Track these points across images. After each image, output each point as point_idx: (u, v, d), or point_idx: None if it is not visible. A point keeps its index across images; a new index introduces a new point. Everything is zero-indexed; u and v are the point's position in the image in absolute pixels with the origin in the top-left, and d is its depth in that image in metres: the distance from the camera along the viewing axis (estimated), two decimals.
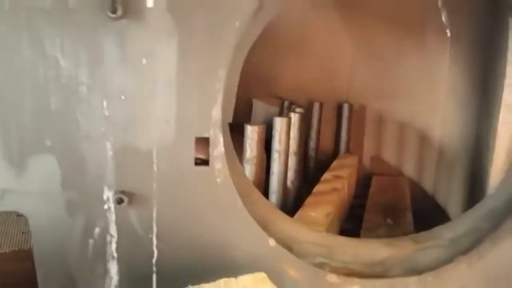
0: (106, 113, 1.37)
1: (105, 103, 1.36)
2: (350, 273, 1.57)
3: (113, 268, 1.45)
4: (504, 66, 2.06)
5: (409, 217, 2.48)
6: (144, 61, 1.35)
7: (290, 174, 2.65)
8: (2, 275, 1.75)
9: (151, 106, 1.37)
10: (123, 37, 1.34)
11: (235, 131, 2.27)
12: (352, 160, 3.15)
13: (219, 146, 1.42)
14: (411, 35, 3.03)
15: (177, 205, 1.44)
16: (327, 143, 3.36)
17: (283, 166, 2.44)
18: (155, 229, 1.43)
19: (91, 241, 1.43)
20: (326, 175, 2.75)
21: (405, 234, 2.14)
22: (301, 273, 1.52)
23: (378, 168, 3.34)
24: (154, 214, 1.42)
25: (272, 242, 1.50)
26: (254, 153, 2.26)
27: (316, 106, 3.25)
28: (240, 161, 2.24)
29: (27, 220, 1.45)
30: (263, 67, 3.38)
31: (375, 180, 3.17)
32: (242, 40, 1.40)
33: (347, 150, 3.35)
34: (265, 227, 1.56)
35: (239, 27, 1.37)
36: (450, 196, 2.97)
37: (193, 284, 1.29)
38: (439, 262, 1.58)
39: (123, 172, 1.40)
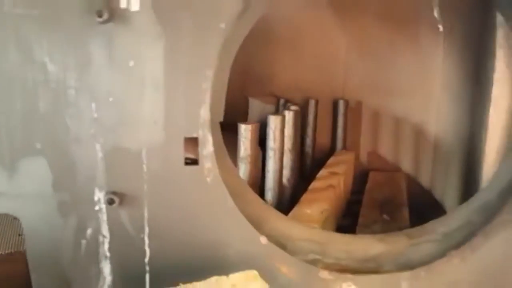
0: (95, 115, 1.38)
1: (93, 106, 1.37)
2: (343, 269, 1.58)
3: (106, 268, 1.46)
4: (493, 62, 2.07)
5: (405, 212, 2.48)
6: (131, 63, 1.36)
7: (286, 172, 2.66)
8: None
9: (139, 107, 1.39)
10: (110, 40, 1.35)
11: (232, 130, 2.30)
12: (348, 157, 3.16)
13: (208, 146, 1.43)
14: (405, 31, 3.04)
15: (168, 204, 1.45)
16: (323, 140, 3.36)
17: (278, 164, 2.45)
18: (146, 229, 1.44)
19: (83, 241, 1.44)
20: (322, 172, 2.75)
21: (401, 229, 2.14)
22: (293, 270, 1.53)
23: (375, 164, 3.35)
24: (146, 214, 1.43)
25: (263, 240, 1.51)
26: (248, 151, 2.27)
27: (312, 103, 3.26)
28: (235, 159, 2.26)
29: None
30: (259, 65, 3.39)
31: (371, 176, 3.18)
32: (229, 40, 1.41)
33: (344, 147, 3.35)
34: (259, 225, 1.57)
35: (225, 28, 1.38)
36: (447, 191, 2.97)
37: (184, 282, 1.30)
38: (432, 256, 1.59)
39: (114, 173, 1.41)
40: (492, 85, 2.08)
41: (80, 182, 1.41)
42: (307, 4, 3.23)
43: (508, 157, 1.73)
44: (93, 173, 1.40)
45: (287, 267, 1.52)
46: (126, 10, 1.34)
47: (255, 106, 3.38)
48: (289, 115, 2.64)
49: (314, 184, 2.54)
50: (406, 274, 1.54)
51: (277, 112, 3.12)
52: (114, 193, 1.41)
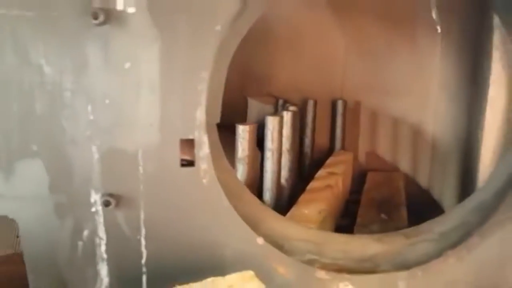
0: (91, 117, 1.38)
1: (89, 108, 1.38)
2: (339, 269, 1.59)
3: (103, 270, 1.47)
4: (490, 63, 2.07)
5: (403, 212, 2.49)
6: (127, 65, 1.37)
7: (284, 172, 2.66)
8: None
9: (136, 109, 1.39)
10: (106, 43, 1.36)
11: (231, 130, 2.30)
12: (347, 157, 3.16)
13: (204, 147, 1.43)
14: (403, 31, 3.04)
15: (164, 206, 1.45)
16: (322, 140, 3.37)
17: (276, 165, 2.45)
18: (143, 230, 1.45)
19: (80, 243, 1.45)
20: (320, 172, 2.75)
21: (399, 229, 2.14)
22: (290, 270, 1.53)
23: (373, 164, 3.35)
24: (142, 216, 1.44)
25: (260, 240, 1.51)
26: (246, 152, 2.27)
27: (311, 103, 3.26)
28: (234, 160, 2.27)
29: None
30: (258, 66, 3.40)
31: (370, 176, 3.18)
32: (225, 42, 1.42)
33: (342, 147, 3.35)
34: (256, 225, 1.58)
35: (221, 30, 1.39)
36: (444, 190, 2.98)
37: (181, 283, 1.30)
38: (429, 256, 1.60)
39: (110, 175, 1.42)
40: (488, 86, 2.08)
41: (76, 184, 1.41)
42: (306, 5, 3.23)
43: (504, 158, 1.74)
44: (89, 175, 1.41)
45: (284, 268, 1.53)
46: (122, 12, 1.35)
47: (254, 106, 3.39)
48: (287, 116, 2.64)
49: (312, 185, 2.54)
50: (403, 273, 1.55)
51: (276, 112, 3.12)
52: (110, 195, 1.41)
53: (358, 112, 3.33)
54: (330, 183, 2.56)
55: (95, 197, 1.42)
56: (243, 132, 2.26)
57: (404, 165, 3.26)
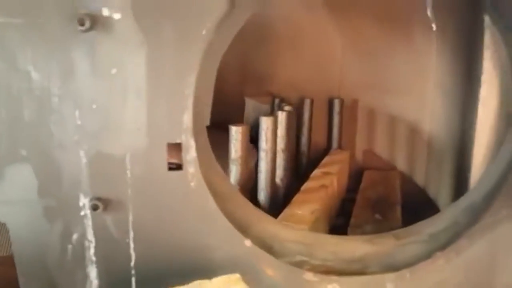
0: (79, 122, 1.40)
1: (77, 113, 1.39)
2: (328, 271, 1.60)
3: (93, 273, 1.49)
4: (482, 62, 2.08)
5: (397, 212, 2.49)
6: (114, 70, 1.38)
7: (279, 172, 2.67)
8: None
9: (122, 114, 1.40)
10: (92, 48, 1.37)
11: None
12: (343, 156, 3.16)
13: (191, 151, 1.45)
14: (399, 30, 3.04)
15: (152, 209, 1.47)
16: (319, 138, 3.37)
17: (270, 165, 2.46)
18: (131, 234, 1.46)
19: (69, 246, 1.46)
20: (316, 172, 2.76)
21: (393, 229, 2.15)
22: (278, 272, 1.55)
23: (371, 162, 3.35)
24: (130, 219, 1.45)
25: (248, 242, 1.53)
26: (239, 153, 2.28)
27: (307, 102, 3.26)
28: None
29: None
30: (257, 65, 3.41)
31: (366, 175, 3.18)
32: (212, 46, 1.43)
33: (339, 146, 3.36)
34: (246, 228, 1.59)
35: (207, 34, 1.39)
36: (440, 190, 2.98)
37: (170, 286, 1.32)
38: (418, 258, 1.61)
39: (98, 179, 1.43)
40: (480, 86, 2.09)
41: (65, 188, 1.43)
42: (303, 4, 3.24)
43: (494, 160, 1.75)
44: (78, 179, 1.42)
45: (272, 270, 1.54)
46: (108, 18, 1.36)
47: (251, 105, 3.40)
48: (282, 116, 2.65)
49: (307, 185, 2.55)
50: (391, 275, 1.56)
51: (272, 111, 3.13)
52: (99, 198, 1.42)
53: (355, 110, 3.34)
54: (325, 183, 2.57)
55: (84, 201, 1.43)
56: (236, 133, 2.27)
57: (401, 164, 3.26)
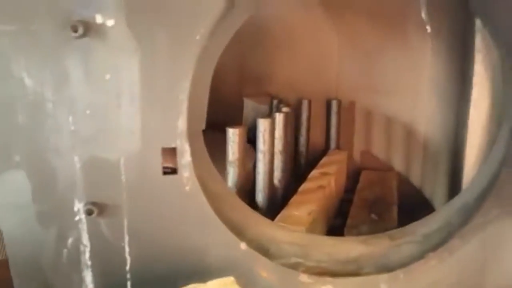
0: (72, 127, 1.41)
1: (71, 118, 1.41)
2: (323, 272, 1.61)
3: (88, 277, 1.50)
4: (473, 64, 2.09)
5: (394, 212, 2.50)
6: (107, 76, 1.39)
7: (277, 173, 2.68)
8: None
9: (117, 119, 1.42)
10: (86, 55, 1.38)
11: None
12: (341, 156, 3.17)
13: (186, 155, 1.46)
14: (395, 31, 3.05)
15: (147, 213, 1.48)
16: (317, 139, 3.38)
17: (268, 166, 2.47)
18: (126, 238, 1.47)
19: (65, 251, 1.48)
20: (314, 173, 2.77)
21: (388, 229, 2.16)
22: (273, 275, 1.56)
23: (368, 162, 3.36)
24: (125, 223, 1.47)
25: (243, 245, 1.54)
26: (236, 155, 2.30)
27: (305, 103, 3.27)
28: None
29: None
30: (255, 66, 3.42)
31: (363, 175, 3.19)
32: (206, 50, 1.44)
33: (337, 146, 3.37)
34: (242, 230, 1.60)
35: (201, 40, 1.41)
36: (436, 190, 2.99)
37: None
38: (412, 258, 1.62)
39: (92, 184, 1.45)
40: (472, 88, 2.10)
41: (59, 193, 1.44)
42: (300, 5, 3.25)
43: (486, 161, 1.76)
44: (72, 184, 1.44)
45: (267, 272, 1.55)
46: (102, 25, 1.37)
47: (250, 106, 3.41)
48: (279, 117, 2.66)
49: (305, 186, 2.56)
50: (385, 276, 1.57)
51: (271, 112, 3.14)
52: (93, 203, 1.44)
53: (353, 111, 3.35)
54: (322, 184, 2.58)
55: (79, 206, 1.45)
56: (233, 135, 2.28)
57: (398, 164, 3.27)
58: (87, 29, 1.36)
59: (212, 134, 2.38)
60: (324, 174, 2.77)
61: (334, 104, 3.34)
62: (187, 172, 1.47)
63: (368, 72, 3.21)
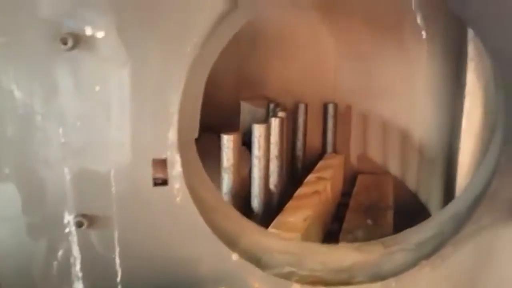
0: (62, 139, 1.41)
1: (61, 130, 1.41)
2: (315, 282, 1.61)
3: None
4: (466, 73, 2.09)
5: (389, 217, 2.50)
6: (97, 88, 1.39)
7: (273, 178, 2.68)
8: None
9: (107, 131, 1.42)
10: (75, 67, 1.38)
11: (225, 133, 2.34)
12: (337, 160, 3.17)
13: (177, 166, 1.46)
14: (391, 36, 3.05)
15: (138, 225, 1.48)
16: (314, 143, 3.38)
17: (264, 171, 2.47)
18: (117, 249, 1.47)
19: (55, 263, 1.48)
20: (310, 177, 2.77)
21: (384, 235, 2.16)
22: (265, 285, 1.56)
23: (365, 166, 3.36)
24: (116, 235, 1.46)
25: (235, 256, 1.53)
26: (231, 161, 2.30)
27: (302, 107, 3.28)
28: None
29: None
30: (252, 69, 3.42)
31: (360, 179, 3.19)
32: (197, 62, 1.44)
33: (334, 150, 3.37)
34: (234, 240, 1.60)
35: (191, 51, 1.40)
36: (431, 195, 2.99)
37: None
38: (405, 266, 1.61)
39: (83, 196, 1.45)
40: (464, 97, 2.10)
41: (49, 205, 1.44)
42: (298, 10, 3.24)
43: (480, 169, 1.75)
44: (62, 196, 1.44)
45: (259, 283, 1.55)
46: (91, 37, 1.37)
47: (247, 109, 3.41)
48: (275, 122, 2.66)
49: (300, 191, 2.56)
50: (377, 285, 1.57)
51: (267, 115, 3.14)
52: (83, 215, 1.44)
53: (349, 115, 3.35)
54: (318, 189, 2.58)
55: (69, 218, 1.45)
56: (228, 142, 2.28)
57: (394, 168, 3.27)
58: (77, 41, 1.36)
59: (209, 138, 2.39)
60: (320, 178, 2.77)
61: (330, 108, 3.34)
62: (178, 183, 1.46)
63: (364, 76, 3.22)
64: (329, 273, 1.66)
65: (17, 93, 1.37)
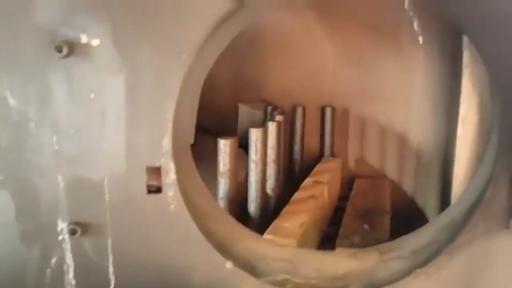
0: (56, 147, 1.41)
1: (54, 138, 1.40)
2: None
3: None
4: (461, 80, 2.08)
5: (386, 222, 2.49)
6: (92, 96, 1.39)
7: (270, 182, 2.68)
8: None
9: (101, 139, 1.42)
10: (70, 74, 1.39)
11: (224, 135, 2.34)
12: (334, 164, 3.17)
13: (171, 174, 1.45)
14: (388, 41, 3.04)
15: (131, 233, 1.48)
16: (312, 146, 3.38)
17: (260, 175, 2.47)
18: (111, 257, 1.47)
19: (48, 270, 1.48)
20: (307, 181, 2.76)
21: (380, 240, 2.17)
22: None
23: (362, 170, 3.36)
24: (109, 243, 1.46)
25: (229, 264, 1.53)
26: (228, 166, 2.29)
27: (299, 110, 3.27)
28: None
29: None
30: (251, 72, 3.42)
31: (357, 183, 3.18)
32: (193, 69, 1.43)
33: (332, 153, 3.36)
34: (228, 247, 1.60)
35: (187, 59, 1.40)
36: (428, 200, 2.98)
37: None
38: (400, 275, 1.61)
39: (76, 204, 1.44)
40: (459, 104, 2.09)
41: (43, 213, 1.44)
42: (296, 14, 3.24)
43: (475, 176, 1.75)
44: (56, 204, 1.44)
45: None
46: (87, 45, 1.37)
47: (245, 112, 3.41)
48: (272, 126, 2.66)
49: (297, 195, 2.55)
50: None
51: (265, 118, 3.14)
52: (77, 223, 1.44)
53: (347, 118, 3.34)
54: (315, 193, 2.57)
55: (62, 225, 1.45)
56: (224, 146, 2.28)
57: (391, 173, 3.27)
58: (72, 49, 1.36)
59: (206, 140, 2.39)
60: (317, 182, 2.76)
61: (328, 111, 3.34)
62: (172, 191, 1.46)
63: (362, 80, 3.21)
64: (324, 281, 1.66)
65: (11, 100, 1.37)
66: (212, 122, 3.23)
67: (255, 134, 2.45)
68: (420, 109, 3.02)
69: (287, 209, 2.39)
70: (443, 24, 2.61)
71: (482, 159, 1.72)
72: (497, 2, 1.29)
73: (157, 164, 1.43)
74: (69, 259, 1.47)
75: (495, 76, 1.51)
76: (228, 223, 1.76)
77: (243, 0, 1.39)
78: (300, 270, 1.69)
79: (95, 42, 1.37)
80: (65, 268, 1.47)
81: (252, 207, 2.49)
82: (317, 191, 2.61)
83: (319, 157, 3.37)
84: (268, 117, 3.12)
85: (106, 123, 1.40)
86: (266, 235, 2.07)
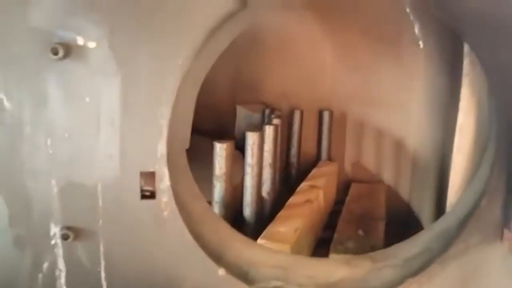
0: (50, 151, 1.40)
1: (49, 142, 1.40)
2: None
3: None
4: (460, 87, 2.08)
5: (380, 228, 2.49)
6: (87, 99, 1.39)
7: (266, 186, 2.67)
8: None
9: (95, 143, 1.41)
10: (66, 77, 1.38)
11: (222, 138, 2.34)
12: (331, 168, 3.17)
13: (165, 180, 1.45)
14: (388, 46, 3.04)
15: (124, 238, 1.47)
16: (309, 149, 3.38)
17: (256, 179, 2.46)
18: (103, 263, 1.47)
19: (40, 275, 1.47)
20: (302, 185, 2.76)
21: (374, 246, 2.16)
22: None
23: (359, 174, 3.36)
24: (102, 248, 1.46)
25: (221, 271, 1.53)
26: (224, 170, 2.29)
27: (297, 113, 3.28)
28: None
29: None
30: (249, 74, 3.42)
31: (353, 188, 3.18)
32: (189, 75, 1.43)
33: (329, 157, 3.36)
34: (221, 253, 1.60)
35: (183, 64, 1.40)
36: (423, 206, 2.98)
37: None
38: (392, 283, 1.61)
39: (69, 208, 1.44)
40: (458, 112, 2.09)
41: (36, 217, 1.43)
42: (296, 17, 3.24)
43: (469, 187, 1.75)
44: (49, 208, 1.43)
45: None
46: (83, 47, 1.36)
47: (242, 114, 3.41)
48: (269, 130, 2.66)
49: (292, 199, 2.55)
50: None
51: (263, 121, 3.14)
52: (69, 228, 1.43)
53: (345, 122, 3.34)
54: (310, 198, 2.57)
55: (55, 230, 1.44)
56: (220, 150, 2.27)
57: (387, 177, 3.27)
58: (68, 51, 1.36)
59: (203, 142, 2.39)
60: (313, 187, 2.76)
61: (326, 115, 3.34)
62: (165, 197, 1.46)
63: (360, 85, 3.22)
64: None
65: (6, 103, 1.36)
66: (210, 124, 3.24)
67: (251, 138, 2.44)
68: (418, 115, 3.01)
69: (282, 213, 2.39)
70: (444, 29, 2.60)
71: (477, 169, 1.72)
72: (497, 5, 1.29)
73: (151, 170, 1.43)
74: (61, 264, 1.46)
75: (494, 82, 1.50)
76: (221, 228, 1.76)
77: (246, 0, 1.38)
78: (292, 277, 1.69)
79: (91, 45, 1.36)
80: (57, 273, 1.47)
81: (248, 211, 2.49)
82: (313, 196, 2.61)
83: (315, 161, 3.37)
84: (266, 120, 3.12)
85: (101, 127, 1.40)
86: (261, 240, 2.07)
